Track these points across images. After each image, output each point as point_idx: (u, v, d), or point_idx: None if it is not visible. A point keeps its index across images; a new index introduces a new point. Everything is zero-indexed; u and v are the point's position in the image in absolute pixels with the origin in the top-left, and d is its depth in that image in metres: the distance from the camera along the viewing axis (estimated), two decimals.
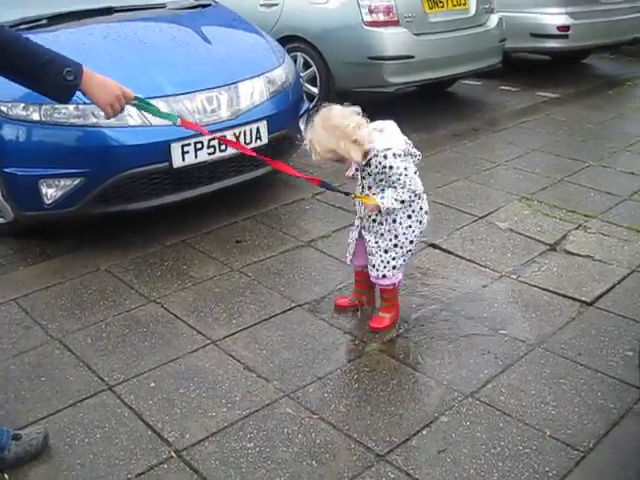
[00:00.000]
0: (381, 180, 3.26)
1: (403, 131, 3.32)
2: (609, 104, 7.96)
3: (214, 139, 4.31)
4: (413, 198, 3.28)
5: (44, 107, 4.04)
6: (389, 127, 3.29)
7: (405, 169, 3.19)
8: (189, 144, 4.28)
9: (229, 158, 4.54)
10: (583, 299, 3.84)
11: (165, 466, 2.71)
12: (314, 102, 6.87)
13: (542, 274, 4.10)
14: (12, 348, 3.43)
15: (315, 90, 6.98)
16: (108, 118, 2.69)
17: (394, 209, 3.29)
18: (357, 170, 3.40)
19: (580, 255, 4.31)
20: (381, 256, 3.41)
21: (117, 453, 2.77)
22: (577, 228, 4.67)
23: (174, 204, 4.47)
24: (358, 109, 3.26)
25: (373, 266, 3.45)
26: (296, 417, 2.96)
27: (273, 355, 3.36)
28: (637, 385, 3.04)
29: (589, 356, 3.36)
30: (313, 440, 2.83)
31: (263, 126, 4.67)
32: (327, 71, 6.82)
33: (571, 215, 4.86)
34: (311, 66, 6.98)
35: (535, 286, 3.97)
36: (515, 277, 4.07)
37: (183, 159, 4.30)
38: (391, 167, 3.18)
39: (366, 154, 3.23)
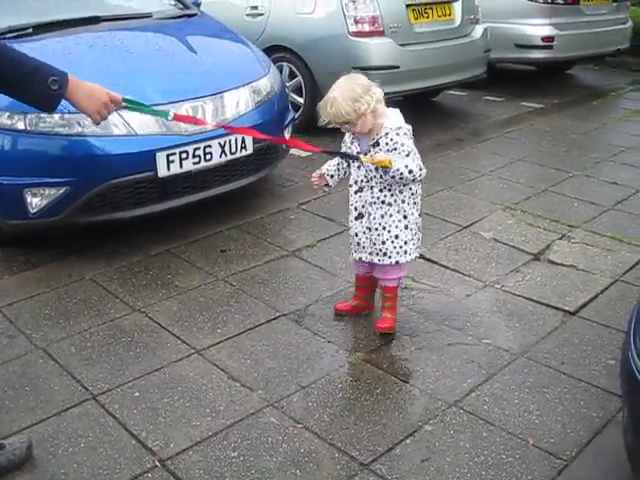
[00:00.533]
0: None
1: None
2: (593, 114, 8.03)
3: (199, 149, 4.32)
4: (419, 174, 3.33)
5: (29, 116, 4.04)
6: (396, 112, 3.41)
7: (414, 151, 3.34)
8: (174, 153, 4.28)
9: (214, 168, 4.55)
10: (566, 308, 3.86)
11: (149, 475, 2.71)
12: (299, 112, 6.88)
13: (526, 284, 4.12)
14: None
15: (301, 100, 6.99)
16: (97, 124, 2.68)
17: (399, 178, 3.31)
18: (355, 156, 3.40)
19: (564, 265, 4.34)
20: (393, 242, 3.45)
21: (101, 462, 2.77)
22: (561, 238, 4.70)
23: (159, 213, 4.48)
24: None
25: (385, 254, 3.48)
26: (280, 426, 2.96)
27: (257, 364, 3.36)
28: (619, 394, 3.05)
29: (572, 365, 3.39)
30: (297, 449, 2.84)
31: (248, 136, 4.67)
32: (313, 81, 6.83)
33: (555, 225, 4.89)
34: (297, 76, 6.98)
35: (519, 295, 3.99)
36: (499, 287, 4.09)
37: (168, 168, 4.31)
38: (403, 143, 3.31)
39: (375, 132, 3.32)
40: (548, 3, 8.48)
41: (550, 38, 8.48)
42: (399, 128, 3.33)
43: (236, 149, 4.61)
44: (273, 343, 3.54)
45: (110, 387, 3.20)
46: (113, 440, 2.88)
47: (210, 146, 4.44)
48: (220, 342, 3.54)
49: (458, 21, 7.33)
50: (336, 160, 3.57)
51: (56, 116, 4.04)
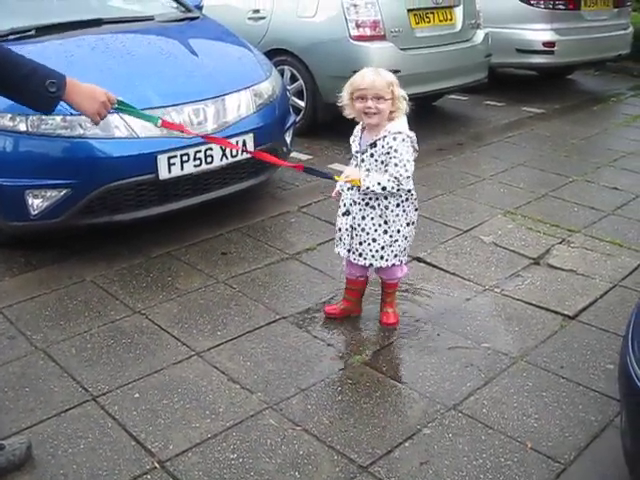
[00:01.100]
0: (382, 162, 3.34)
1: None
2: (593, 120, 8.05)
3: (200, 151, 4.34)
4: (396, 190, 3.34)
5: (31, 118, 4.04)
6: (402, 118, 3.42)
7: (408, 161, 3.33)
8: (175, 156, 4.29)
9: (215, 170, 4.56)
10: (566, 313, 3.87)
11: (148, 477, 2.72)
12: (301, 115, 6.90)
13: (525, 288, 4.13)
14: None
15: (302, 103, 7.00)
16: (96, 124, 2.69)
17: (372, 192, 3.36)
18: (355, 153, 3.46)
19: (563, 269, 4.35)
20: (370, 244, 3.49)
21: (100, 464, 2.77)
22: (561, 242, 4.71)
23: (160, 216, 4.48)
24: None
25: (360, 255, 3.52)
26: (279, 428, 2.97)
27: (257, 367, 3.37)
28: (618, 398, 3.06)
29: (571, 369, 3.39)
30: (296, 451, 2.85)
31: (249, 139, 4.68)
32: (314, 84, 6.84)
33: (555, 229, 4.90)
34: (298, 79, 6.99)
35: (518, 300, 4.00)
36: (499, 291, 4.10)
37: (169, 171, 4.32)
38: (396, 150, 3.31)
39: (376, 132, 3.35)
40: (549, 8, 8.50)
41: (551, 43, 8.50)
42: (398, 133, 3.34)
43: (237, 152, 4.62)
44: (273, 346, 3.55)
45: (110, 388, 3.20)
46: (112, 441, 2.89)
47: (211, 149, 4.45)
48: (220, 344, 3.55)
49: (459, 26, 7.34)
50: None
51: (58, 118, 4.06)
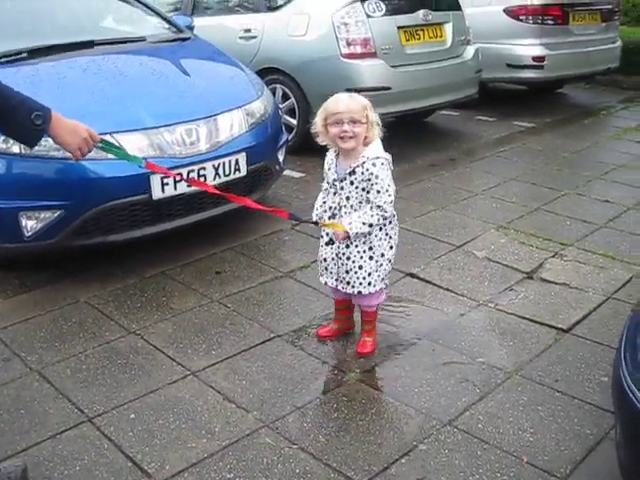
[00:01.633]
0: (363, 189, 3.29)
1: None
2: (584, 133, 8.10)
3: (193, 171, 4.36)
4: (382, 221, 3.33)
5: None
6: (376, 141, 3.35)
7: (389, 185, 3.27)
8: (168, 176, 4.30)
9: None
10: (560, 326, 3.88)
11: None
12: (293, 134, 6.93)
13: (519, 302, 4.14)
14: None
15: (294, 122, 7.03)
16: (77, 160, 2.71)
17: (363, 235, 3.33)
18: (329, 184, 3.43)
19: (556, 283, 4.36)
20: (356, 272, 3.45)
21: None
22: (553, 256, 4.73)
23: (153, 235, 4.49)
24: None
25: (348, 283, 3.48)
26: (275, 447, 2.97)
27: (252, 385, 3.37)
28: (612, 410, 3.07)
29: (566, 383, 3.40)
30: (292, 470, 2.84)
31: (242, 158, 4.70)
32: (306, 103, 6.87)
33: (547, 243, 4.92)
34: (290, 98, 7.03)
35: (512, 314, 4.01)
36: (492, 305, 4.11)
37: (162, 191, 4.33)
38: (377, 176, 3.25)
39: (354, 158, 3.29)
40: (538, 24, 8.57)
41: (541, 58, 8.57)
42: (376, 158, 3.27)
43: (230, 171, 4.64)
44: (268, 364, 3.55)
45: (106, 409, 3.20)
46: (109, 462, 2.88)
47: (204, 168, 4.47)
48: (215, 363, 3.55)
49: (449, 42, 7.40)
50: (318, 200, 3.58)
51: (50, 140, 4.06)
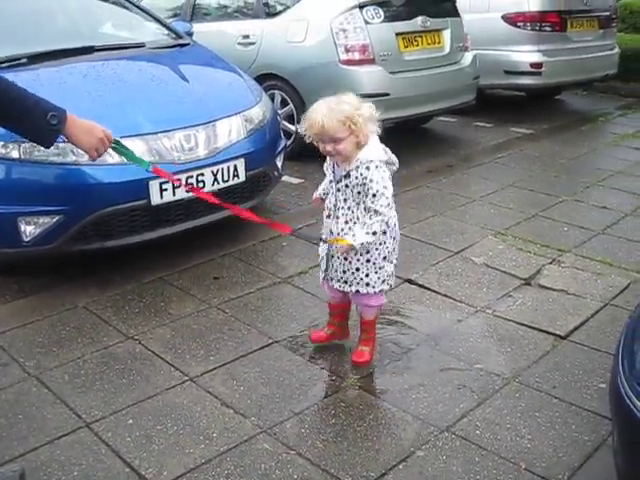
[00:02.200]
0: (359, 193, 3.24)
1: None
2: (582, 139, 8.11)
3: (191, 177, 4.37)
4: (384, 226, 3.28)
5: (24, 145, 4.06)
6: (374, 141, 3.27)
7: (385, 188, 3.19)
8: (167, 182, 4.31)
9: None
10: (557, 333, 3.89)
11: None
12: (291, 139, 6.94)
13: (517, 308, 4.15)
14: None
15: (292, 127, 7.03)
16: (93, 160, 2.72)
17: (369, 245, 3.29)
18: (330, 182, 3.42)
19: (554, 289, 4.37)
20: (353, 273, 3.42)
21: None
22: (551, 262, 4.74)
23: (152, 241, 4.50)
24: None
25: (345, 282, 3.46)
26: (273, 453, 2.97)
27: (250, 391, 3.38)
28: (610, 417, 3.07)
29: (563, 389, 3.41)
30: (290, 476, 2.84)
31: (240, 164, 4.72)
32: (304, 108, 6.82)
33: (545, 249, 4.93)
34: (288, 104, 7.05)
35: (510, 320, 4.02)
36: (490, 312, 4.12)
37: (161, 196, 4.34)
38: (371, 180, 3.18)
39: (349, 162, 3.23)
40: (536, 30, 8.59)
41: (538, 64, 8.59)
42: (370, 161, 3.20)
43: (229, 177, 4.65)
44: (266, 370, 3.55)
45: (103, 415, 3.20)
46: (106, 468, 2.89)
47: (203, 174, 4.48)
48: (213, 369, 3.55)
49: (447, 49, 7.42)
50: (325, 182, 3.54)
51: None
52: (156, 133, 4.40)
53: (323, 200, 3.55)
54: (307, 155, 6.66)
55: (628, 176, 6.67)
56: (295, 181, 6.34)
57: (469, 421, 3.17)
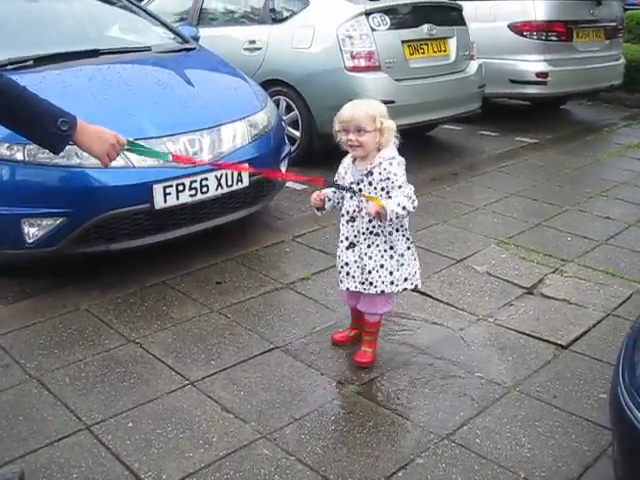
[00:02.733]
0: (383, 189, 3.34)
1: None
2: (586, 150, 8.10)
3: (195, 181, 4.38)
4: (412, 210, 3.34)
5: (28, 147, 4.07)
6: (390, 145, 3.41)
7: (405, 182, 3.34)
8: (171, 186, 4.32)
9: (210, 200, 4.59)
10: (559, 342, 3.88)
11: None
12: (296, 145, 6.95)
13: (519, 317, 4.15)
14: None
15: (297, 133, 7.05)
16: (106, 166, 2.71)
17: (395, 218, 3.33)
18: (350, 185, 3.43)
19: (556, 299, 4.37)
20: (378, 271, 3.46)
21: None
22: (554, 272, 4.73)
23: (155, 245, 4.50)
24: None
25: (371, 284, 3.49)
26: (273, 458, 2.97)
27: (251, 396, 3.38)
28: (610, 427, 3.07)
29: (564, 399, 3.40)
30: None
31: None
32: (309, 115, 6.90)
33: (548, 259, 4.93)
34: (293, 110, 7.05)
35: (511, 329, 4.02)
36: (492, 320, 4.11)
37: (165, 200, 4.34)
38: (395, 174, 3.32)
39: (369, 161, 3.36)
40: (542, 40, 8.60)
41: (544, 74, 8.59)
42: (392, 158, 3.35)
43: (232, 182, 4.65)
44: (267, 375, 3.55)
45: (104, 417, 3.20)
46: (106, 471, 2.89)
47: (207, 179, 4.48)
48: (214, 374, 3.55)
49: (453, 57, 7.43)
50: (329, 190, 3.58)
51: None
52: (161, 137, 4.40)
53: (323, 202, 3.57)
54: (311, 161, 6.70)
55: (632, 187, 6.66)
56: (299, 187, 6.34)
57: (469, 429, 3.17)
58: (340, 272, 3.59)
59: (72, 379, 3.49)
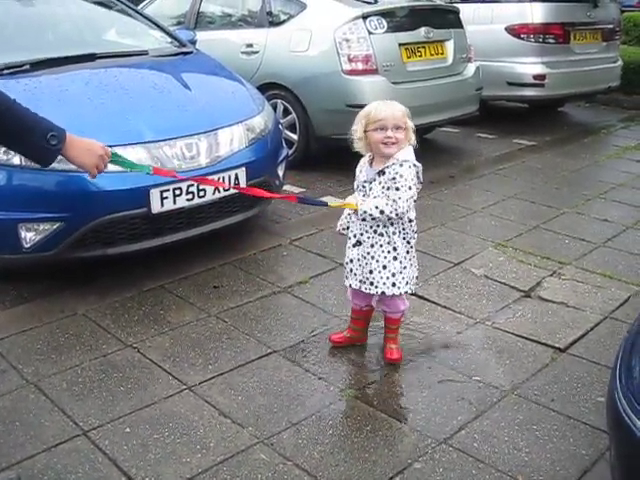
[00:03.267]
0: (388, 188, 3.37)
1: None
2: (584, 152, 8.11)
3: (192, 185, 4.38)
4: (394, 215, 3.36)
5: None
6: (409, 148, 3.46)
7: (409, 188, 3.35)
8: (168, 190, 4.32)
9: (208, 204, 4.58)
10: (556, 345, 3.88)
11: None
12: (293, 149, 6.94)
13: (516, 320, 4.14)
14: None
15: (295, 137, 7.04)
16: (93, 178, 2.73)
17: (370, 219, 3.38)
18: (358, 186, 3.52)
19: (554, 302, 4.36)
20: (380, 272, 3.49)
21: None
22: (551, 275, 4.73)
23: (152, 249, 4.50)
24: None
25: (371, 283, 3.52)
26: (270, 463, 2.96)
27: (248, 401, 3.37)
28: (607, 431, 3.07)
29: (562, 402, 3.40)
30: None
31: (242, 173, 4.71)
32: (306, 118, 6.90)
33: (546, 262, 4.93)
34: (291, 113, 7.05)
35: (509, 332, 4.01)
36: (490, 323, 4.11)
37: (162, 205, 4.34)
38: (402, 175, 3.34)
39: (384, 161, 3.40)
40: (539, 42, 8.61)
41: (542, 76, 8.60)
42: (406, 161, 3.37)
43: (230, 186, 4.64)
44: (264, 380, 3.54)
45: (101, 423, 3.20)
46: (103, 476, 2.88)
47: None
48: (211, 378, 3.55)
49: (450, 60, 7.43)
50: (345, 213, 3.66)
51: None
52: (158, 141, 4.40)
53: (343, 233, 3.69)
54: (309, 165, 6.71)
55: (630, 189, 6.66)
56: (297, 190, 6.34)
57: (467, 433, 3.17)
58: (345, 268, 3.64)
59: (69, 384, 3.48)
